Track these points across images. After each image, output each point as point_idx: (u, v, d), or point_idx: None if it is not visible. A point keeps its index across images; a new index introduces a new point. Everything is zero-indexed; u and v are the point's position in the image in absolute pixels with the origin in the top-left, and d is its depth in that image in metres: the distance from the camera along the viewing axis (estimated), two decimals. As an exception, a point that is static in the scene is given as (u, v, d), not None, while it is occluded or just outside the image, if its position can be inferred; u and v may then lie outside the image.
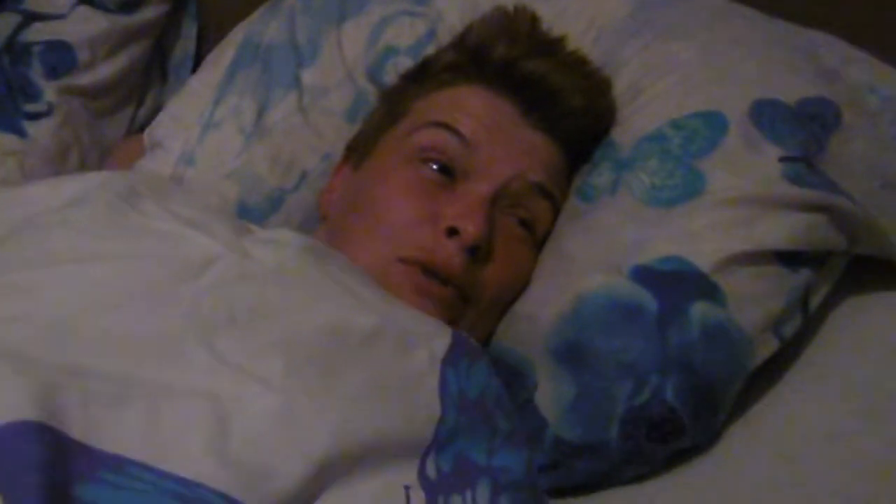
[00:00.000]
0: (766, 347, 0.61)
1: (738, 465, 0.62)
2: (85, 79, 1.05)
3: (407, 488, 0.44)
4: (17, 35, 1.04)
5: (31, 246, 0.50)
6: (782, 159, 0.62)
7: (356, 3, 0.89)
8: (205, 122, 0.90)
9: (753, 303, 0.60)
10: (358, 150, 0.74)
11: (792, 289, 0.61)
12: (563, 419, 0.60)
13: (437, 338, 0.53)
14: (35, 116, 1.01)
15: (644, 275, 0.60)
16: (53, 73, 1.03)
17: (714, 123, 0.64)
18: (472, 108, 0.68)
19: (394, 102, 0.74)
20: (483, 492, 0.47)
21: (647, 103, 0.69)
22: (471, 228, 0.61)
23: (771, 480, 0.60)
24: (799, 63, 0.69)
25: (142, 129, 1.17)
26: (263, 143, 0.81)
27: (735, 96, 0.66)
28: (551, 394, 0.61)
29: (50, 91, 1.02)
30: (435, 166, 0.65)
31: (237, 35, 0.95)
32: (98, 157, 1.10)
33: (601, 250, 0.63)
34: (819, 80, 0.68)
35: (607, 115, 0.72)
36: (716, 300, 0.59)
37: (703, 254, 0.60)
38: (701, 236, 0.60)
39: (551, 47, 0.74)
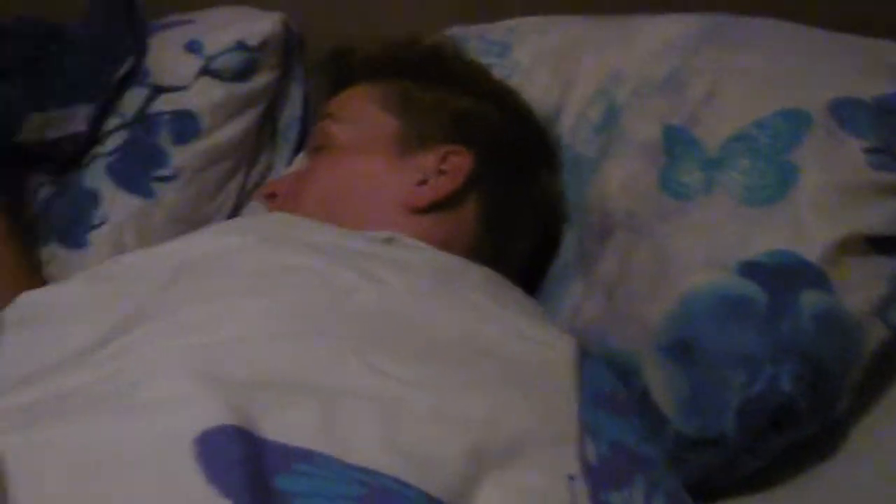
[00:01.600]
0: (876, 333, 0.62)
1: (860, 463, 0.63)
2: (207, 143, 1.14)
3: (571, 478, 0.47)
4: (146, 107, 1.15)
5: (200, 285, 0.56)
6: (866, 150, 0.64)
7: None
8: None
9: (858, 288, 0.61)
10: None
11: (891, 274, 0.62)
12: (680, 414, 0.63)
13: (562, 340, 0.57)
14: (163, 179, 1.10)
15: (751, 269, 0.63)
16: (181, 139, 1.12)
17: (797, 120, 0.67)
18: None
19: None
20: (638, 491, 0.50)
21: (725, 105, 0.72)
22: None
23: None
24: (868, 64, 0.72)
25: (254, 188, 1.27)
26: None
27: (812, 95, 0.68)
28: (666, 390, 0.63)
29: (177, 156, 1.12)
30: None
31: None
32: (217, 213, 1.19)
33: (704, 249, 0.66)
34: (891, 78, 0.70)
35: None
36: (823, 288, 0.61)
37: (807, 244, 0.62)
38: (802, 228, 0.62)
39: None
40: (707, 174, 0.69)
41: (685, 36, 0.80)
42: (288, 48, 1.26)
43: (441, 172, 0.75)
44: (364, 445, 0.44)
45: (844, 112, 0.67)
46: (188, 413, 0.42)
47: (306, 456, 0.42)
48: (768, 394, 0.60)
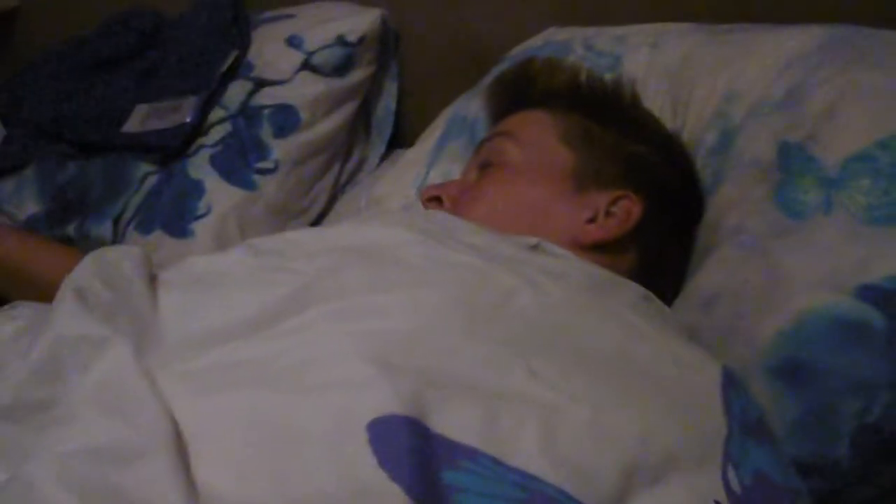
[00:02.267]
0: None
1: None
2: (307, 136, 1.16)
3: (717, 503, 0.47)
4: (249, 100, 1.17)
5: (372, 272, 0.57)
6: None
7: None
8: (420, 185, 1.00)
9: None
10: None
11: None
12: (789, 437, 0.62)
13: (710, 364, 0.57)
14: (263, 172, 1.12)
15: (871, 293, 0.61)
16: (281, 132, 1.15)
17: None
18: None
19: None
20: None
21: (846, 124, 0.70)
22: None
23: None
24: None
25: (348, 181, 1.28)
26: None
27: None
28: (773, 412, 0.62)
29: (278, 149, 1.14)
30: None
31: (445, 114, 1.09)
32: (312, 205, 1.21)
33: (822, 269, 0.65)
34: None
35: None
36: (948, 316, 0.59)
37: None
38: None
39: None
40: (826, 192, 0.68)
41: (806, 51, 0.79)
42: (384, 44, 1.28)
43: (609, 214, 0.75)
44: (525, 450, 0.45)
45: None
46: (363, 397, 0.44)
47: (471, 453, 0.43)
48: (885, 422, 0.59)
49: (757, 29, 0.88)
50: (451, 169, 1.00)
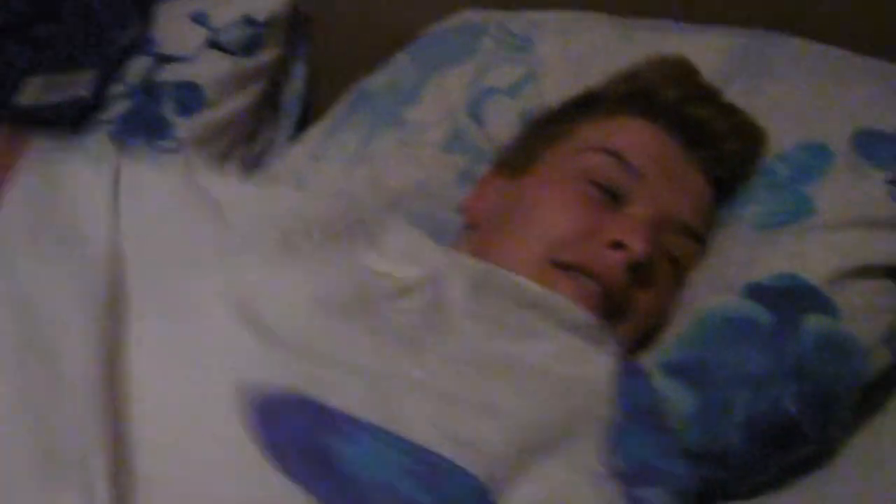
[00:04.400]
0: (881, 359, 0.64)
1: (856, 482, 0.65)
2: (212, 116, 1.13)
3: (597, 476, 0.51)
4: (151, 76, 1.13)
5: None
6: (889, 181, 0.66)
7: (460, 53, 0.98)
8: (314, 156, 1.01)
9: (867, 315, 0.63)
10: (511, 164, 0.78)
11: (901, 305, 0.64)
12: (687, 430, 0.64)
13: (605, 353, 0.59)
14: (166, 151, 1.09)
15: (757, 292, 0.64)
16: (185, 110, 1.11)
17: (819, 154, 0.69)
18: (641, 140, 0.71)
19: (555, 121, 0.78)
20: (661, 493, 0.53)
21: None
22: (637, 245, 0.63)
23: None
24: (893, 91, 0.73)
25: (255, 163, 1.26)
26: (363, 168, 0.87)
27: (837, 127, 0.70)
28: (674, 406, 0.64)
29: (181, 128, 1.11)
30: (601, 188, 0.68)
31: (353, 89, 1.07)
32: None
33: (715, 273, 0.68)
34: None
35: (758, 159, 0.74)
36: (829, 312, 0.63)
37: (815, 270, 0.64)
38: (812, 254, 0.64)
39: (712, 95, 0.77)
40: (727, 209, 0.72)
41: (716, 63, 0.81)
42: (293, 25, 1.26)
43: None
44: (416, 426, 0.47)
45: (868, 144, 0.69)
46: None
47: (361, 424, 0.46)
48: (772, 413, 0.62)
49: (666, 29, 0.90)
50: (346, 138, 0.99)
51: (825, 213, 0.66)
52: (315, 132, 1.07)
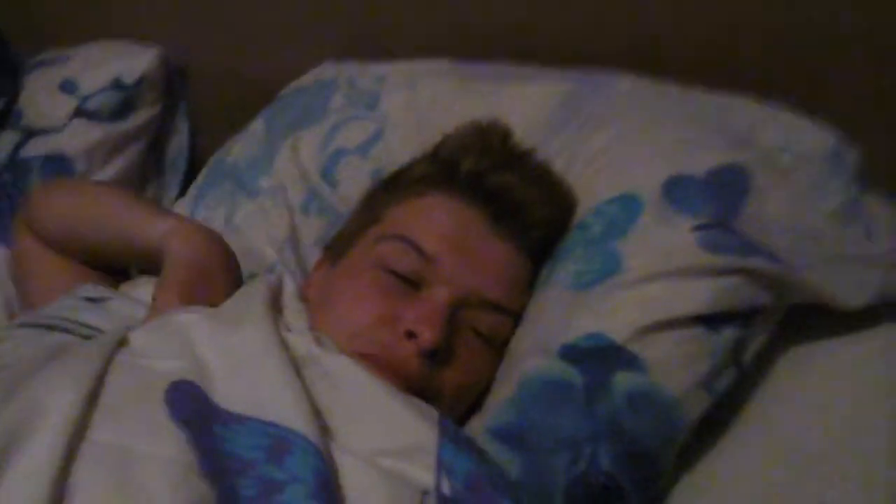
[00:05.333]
0: (698, 404, 0.65)
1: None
2: (83, 185, 1.12)
3: (425, 493, 0.54)
4: (17, 152, 1.13)
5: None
6: (696, 228, 0.66)
7: (312, 116, 0.99)
8: None
9: (678, 366, 0.63)
10: (335, 250, 0.79)
11: (716, 349, 0.65)
12: (518, 492, 0.64)
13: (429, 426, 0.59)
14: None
15: (570, 353, 0.65)
16: (52, 183, 1.10)
17: (629, 206, 0.69)
18: (437, 219, 0.72)
19: (369, 207, 0.79)
20: None
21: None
22: (427, 334, 0.65)
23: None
24: (709, 136, 0.74)
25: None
26: (232, 241, 0.87)
27: (648, 177, 0.71)
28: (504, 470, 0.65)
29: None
30: (397, 275, 0.69)
31: (211, 161, 1.09)
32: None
33: (534, 336, 0.68)
34: (730, 148, 0.72)
35: (568, 222, 0.75)
36: (636, 368, 0.63)
37: (619, 327, 0.64)
38: (616, 312, 0.64)
39: (520, 160, 0.78)
40: (550, 267, 0.72)
41: (544, 117, 0.83)
42: (169, 81, 1.25)
43: None
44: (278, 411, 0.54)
45: (677, 191, 0.69)
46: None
47: (234, 416, 0.54)
48: (590, 473, 0.62)
49: (503, 77, 0.91)
50: (209, 215, 1.00)
51: (631, 271, 0.66)
52: (182, 209, 1.06)
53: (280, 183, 0.95)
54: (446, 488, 0.54)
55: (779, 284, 0.66)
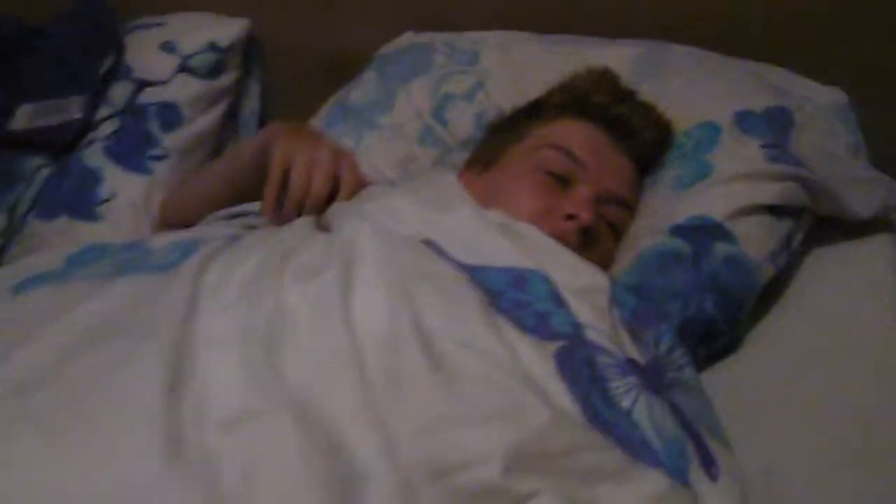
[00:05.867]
0: (768, 272, 0.88)
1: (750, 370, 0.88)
2: (190, 130, 1.30)
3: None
4: (134, 99, 1.28)
5: None
6: (762, 146, 0.90)
7: (421, 67, 1.21)
8: None
9: (756, 240, 0.87)
10: (481, 161, 0.98)
11: (780, 232, 0.89)
12: None
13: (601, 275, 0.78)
14: (157, 158, 1.25)
15: (679, 230, 0.87)
16: (168, 127, 1.27)
17: (711, 130, 0.94)
18: (581, 136, 0.92)
19: (512, 128, 1.00)
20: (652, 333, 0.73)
21: None
22: (584, 215, 0.85)
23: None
24: (759, 85, 1.00)
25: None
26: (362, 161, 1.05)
27: (722, 110, 0.95)
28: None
29: (166, 140, 1.26)
30: (554, 175, 0.89)
31: (329, 103, 1.29)
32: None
33: (647, 222, 0.91)
34: (775, 95, 0.98)
35: (669, 144, 0.98)
36: (730, 240, 0.86)
37: (718, 210, 0.87)
38: (714, 199, 0.88)
39: (630, 95, 1.01)
40: (652, 175, 0.95)
41: (625, 69, 1.07)
42: (249, 50, 1.43)
43: None
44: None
45: (746, 121, 0.94)
46: None
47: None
48: (698, 315, 0.84)
49: (581, 43, 1.14)
50: (344, 143, 1.17)
51: (720, 173, 0.90)
52: None
53: (398, 120, 1.15)
54: (626, 312, 0.73)
55: (817, 191, 0.91)
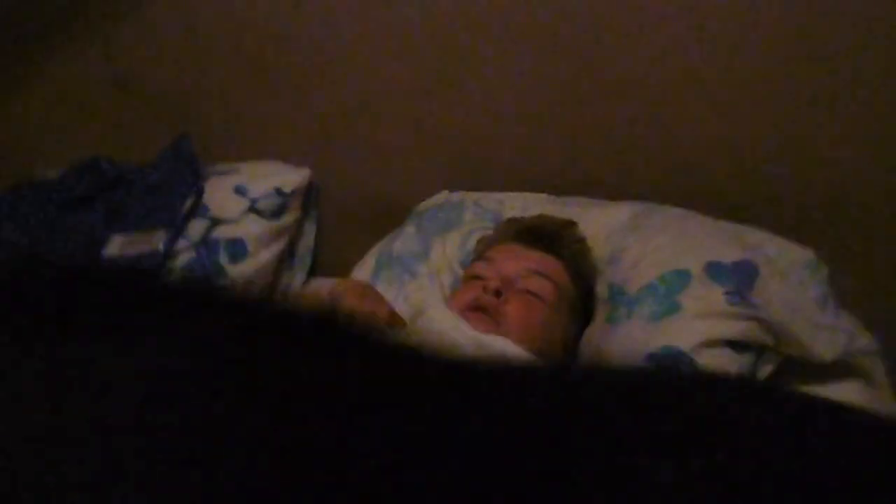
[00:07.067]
0: None
1: None
2: (253, 263, 1.51)
3: None
4: (208, 234, 1.51)
5: None
6: (726, 293, 1.06)
7: (452, 224, 1.43)
8: None
9: (717, 369, 1.01)
10: None
11: (739, 363, 1.03)
12: None
13: None
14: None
15: (651, 358, 1.03)
16: (234, 259, 1.49)
17: (682, 276, 1.10)
18: (498, 247, 1.23)
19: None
20: None
21: (642, 270, 1.16)
22: (491, 284, 1.11)
23: None
24: (733, 242, 1.17)
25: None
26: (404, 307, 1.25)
27: (695, 260, 1.12)
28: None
29: (232, 271, 1.47)
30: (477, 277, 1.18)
31: (373, 252, 1.50)
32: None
33: (624, 348, 1.06)
34: (745, 250, 1.14)
35: (580, 239, 1.25)
36: (694, 368, 1.01)
37: (684, 341, 1.02)
38: (681, 333, 1.03)
39: (550, 219, 1.29)
40: (628, 309, 1.12)
41: (620, 224, 1.27)
42: (307, 194, 1.66)
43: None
44: None
45: (714, 270, 1.10)
46: None
47: None
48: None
49: (588, 204, 1.35)
50: (384, 290, 1.39)
51: (687, 310, 1.06)
52: None
53: (433, 269, 1.36)
54: None
55: (778, 333, 1.06)
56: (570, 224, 1.27)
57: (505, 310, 1.10)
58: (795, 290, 1.14)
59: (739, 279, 1.09)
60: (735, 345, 1.04)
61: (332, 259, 1.65)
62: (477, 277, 1.17)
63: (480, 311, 1.09)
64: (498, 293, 1.11)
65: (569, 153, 1.46)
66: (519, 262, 1.17)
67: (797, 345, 1.07)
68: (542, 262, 1.18)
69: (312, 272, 1.68)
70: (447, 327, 1.02)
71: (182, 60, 1.74)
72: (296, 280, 1.66)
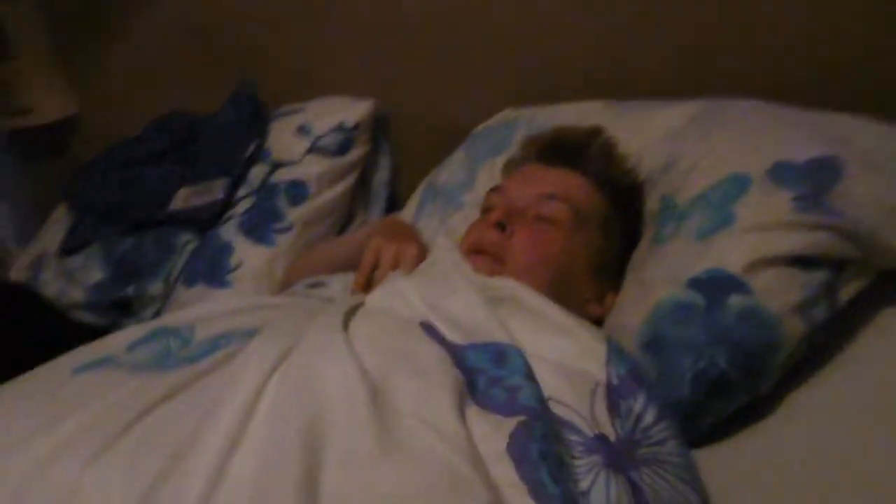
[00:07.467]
0: (794, 327, 0.85)
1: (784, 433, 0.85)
2: (315, 204, 1.46)
3: (596, 384, 0.76)
4: (267, 179, 1.47)
5: None
6: (794, 199, 0.88)
7: (502, 146, 1.30)
8: None
9: (777, 293, 0.84)
10: None
11: (807, 284, 0.85)
12: (654, 387, 0.85)
13: (599, 342, 0.82)
14: (281, 231, 1.41)
15: (695, 283, 0.87)
16: (294, 201, 1.44)
17: (740, 181, 0.93)
18: (512, 172, 1.13)
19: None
20: (640, 400, 0.76)
21: (696, 177, 0.99)
22: (492, 217, 1.00)
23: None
24: (811, 134, 0.96)
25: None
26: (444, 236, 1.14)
27: (760, 161, 0.93)
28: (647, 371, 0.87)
29: (292, 214, 1.43)
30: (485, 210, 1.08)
31: (421, 185, 1.41)
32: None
33: (666, 272, 0.92)
34: (827, 145, 0.93)
35: (613, 148, 1.11)
36: (745, 292, 0.84)
37: (733, 262, 0.86)
38: (730, 251, 0.87)
39: (572, 131, 1.15)
40: (676, 224, 0.96)
41: (680, 125, 1.09)
42: (377, 126, 1.58)
43: (600, 301, 1.03)
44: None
45: (780, 171, 0.91)
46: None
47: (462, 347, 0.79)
48: (710, 369, 0.84)
49: (650, 107, 1.18)
50: (427, 223, 1.29)
51: (741, 223, 0.88)
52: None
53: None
54: (614, 379, 0.77)
55: (862, 241, 0.87)
56: (595, 132, 1.12)
57: (510, 245, 0.98)
58: (891, 186, 0.93)
59: (815, 181, 0.90)
60: (801, 260, 0.86)
61: (411, 191, 1.57)
62: (490, 209, 1.06)
63: (483, 253, 0.98)
64: (503, 227, 0.99)
65: (638, 54, 1.29)
66: (532, 188, 1.05)
67: (891, 255, 0.88)
68: (559, 182, 1.05)
69: (392, 207, 1.61)
70: (450, 270, 0.92)
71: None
72: (372, 215, 1.59)
